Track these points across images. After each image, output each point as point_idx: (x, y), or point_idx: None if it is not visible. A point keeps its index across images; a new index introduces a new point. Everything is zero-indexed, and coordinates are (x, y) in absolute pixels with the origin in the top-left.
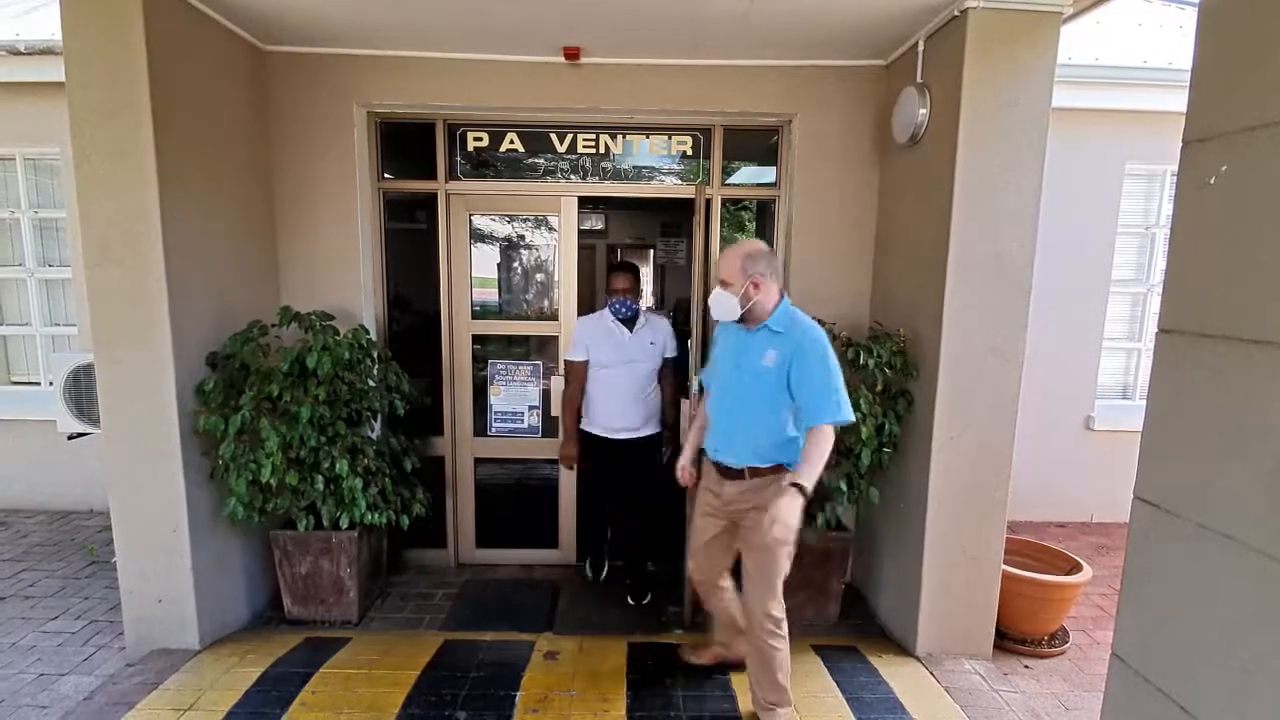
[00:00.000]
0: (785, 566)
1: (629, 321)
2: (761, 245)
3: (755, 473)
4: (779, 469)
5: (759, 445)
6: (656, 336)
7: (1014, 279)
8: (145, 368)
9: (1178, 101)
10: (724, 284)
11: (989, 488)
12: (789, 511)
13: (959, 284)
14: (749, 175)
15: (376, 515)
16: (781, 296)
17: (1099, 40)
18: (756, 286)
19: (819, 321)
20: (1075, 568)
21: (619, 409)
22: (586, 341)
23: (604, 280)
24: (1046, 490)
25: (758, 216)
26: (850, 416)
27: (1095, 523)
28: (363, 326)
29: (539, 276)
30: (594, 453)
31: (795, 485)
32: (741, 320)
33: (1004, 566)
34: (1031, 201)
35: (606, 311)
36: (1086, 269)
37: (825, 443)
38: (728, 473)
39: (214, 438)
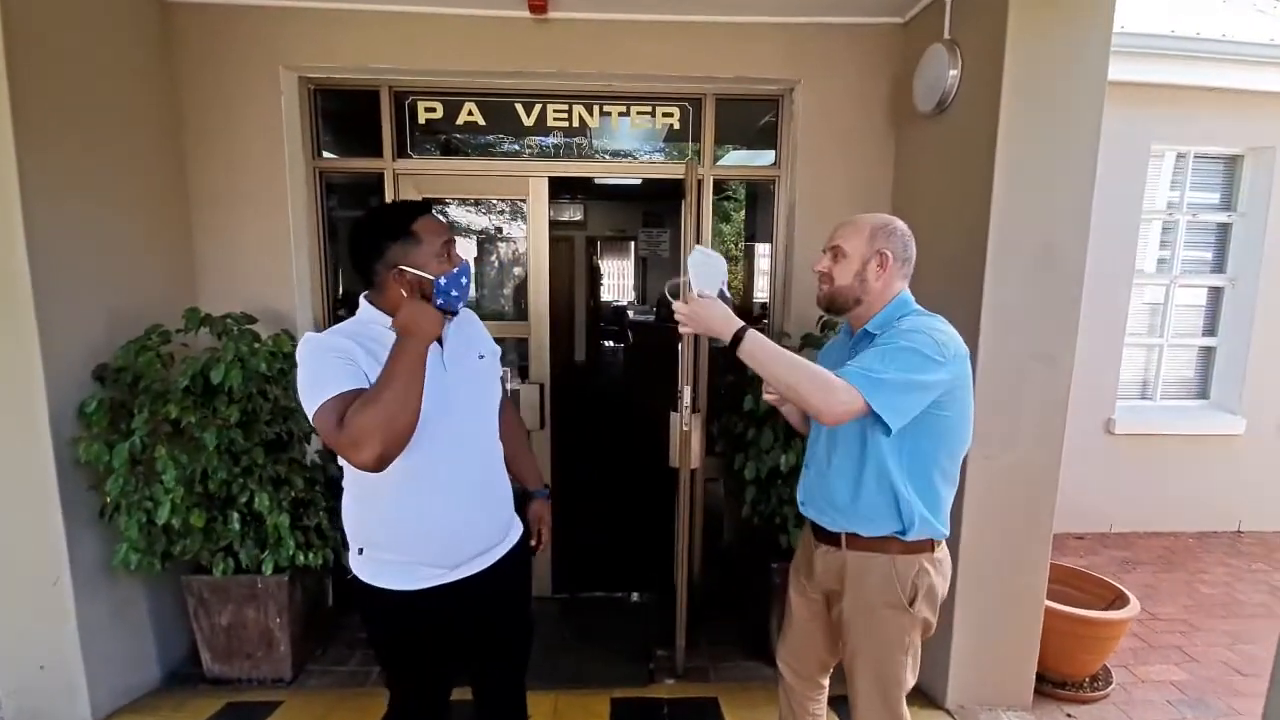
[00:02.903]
0: (909, 678)
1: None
2: (906, 228)
3: (855, 542)
4: (890, 541)
5: (857, 500)
6: (479, 340)
7: (1065, 273)
8: (6, 384)
9: (1208, 74)
10: (835, 252)
11: (1032, 516)
12: (706, 311)
13: (1000, 279)
14: (745, 156)
15: (310, 555)
16: (901, 294)
17: (1122, 6)
18: (882, 265)
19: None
20: (1119, 599)
21: (463, 512)
22: (348, 371)
23: (583, 276)
24: (1063, 498)
25: (749, 203)
26: (887, 418)
27: (1115, 533)
28: (286, 332)
29: (506, 271)
30: (403, 628)
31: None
32: (840, 313)
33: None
34: (1087, 182)
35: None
36: (1107, 259)
37: (820, 374)
38: (822, 536)
39: (101, 470)
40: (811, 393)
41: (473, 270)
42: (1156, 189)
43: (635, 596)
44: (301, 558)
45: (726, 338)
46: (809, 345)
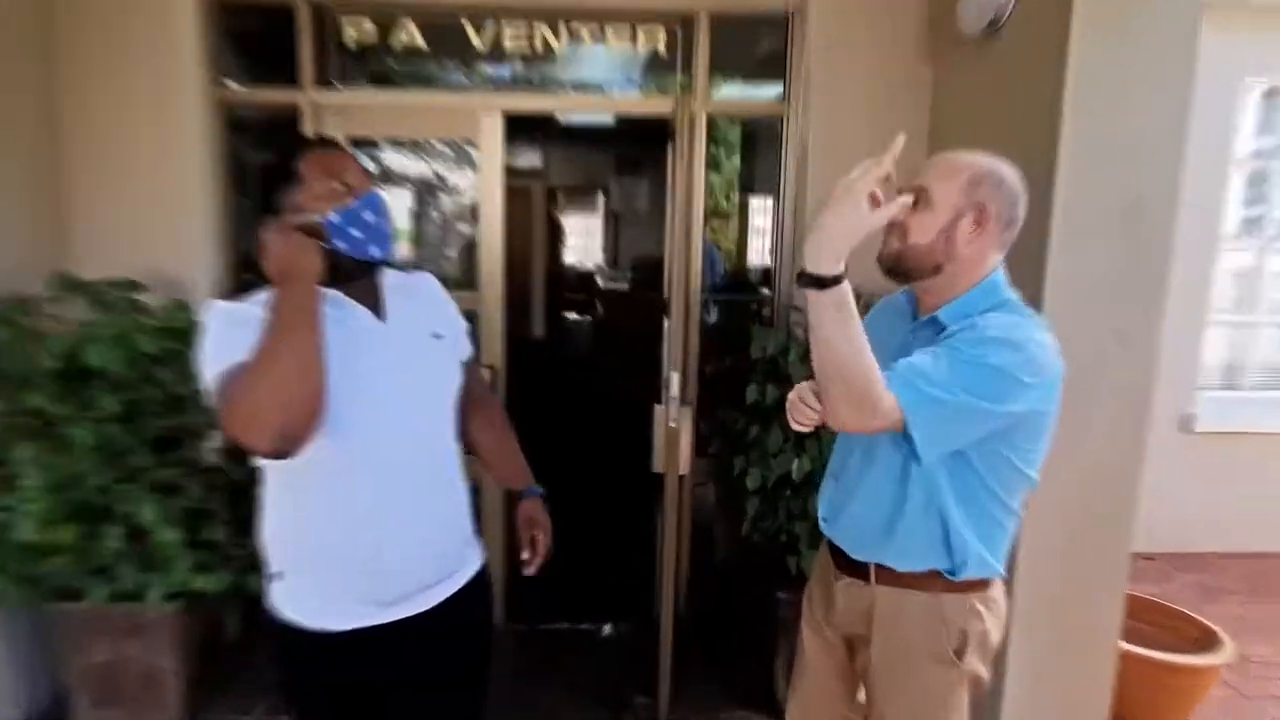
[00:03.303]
0: None
1: (368, 292)
2: (1021, 185)
3: (887, 576)
4: (934, 577)
5: (894, 528)
6: (436, 314)
7: (1151, 235)
8: None
9: None
10: (919, 195)
11: (1107, 532)
12: (845, 215)
13: (1069, 241)
14: (742, 91)
15: (208, 579)
16: (995, 272)
17: None
18: (979, 223)
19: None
20: (1209, 638)
21: (401, 533)
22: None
23: (543, 235)
24: None
25: (744, 148)
26: (922, 447)
27: (1193, 553)
28: (181, 303)
29: (449, 228)
30: (322, 677)
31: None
32: (906, 280)
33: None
34: (1178, 124)
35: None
36: (1185, 218)
37: (875, 377)
38: (845, 564)
39: None
40: (852, 395)
41: (387, 205)
42: (1244, 132)
43: (607, 629)
44: (197, 582)
45: (831, 265)
46: None
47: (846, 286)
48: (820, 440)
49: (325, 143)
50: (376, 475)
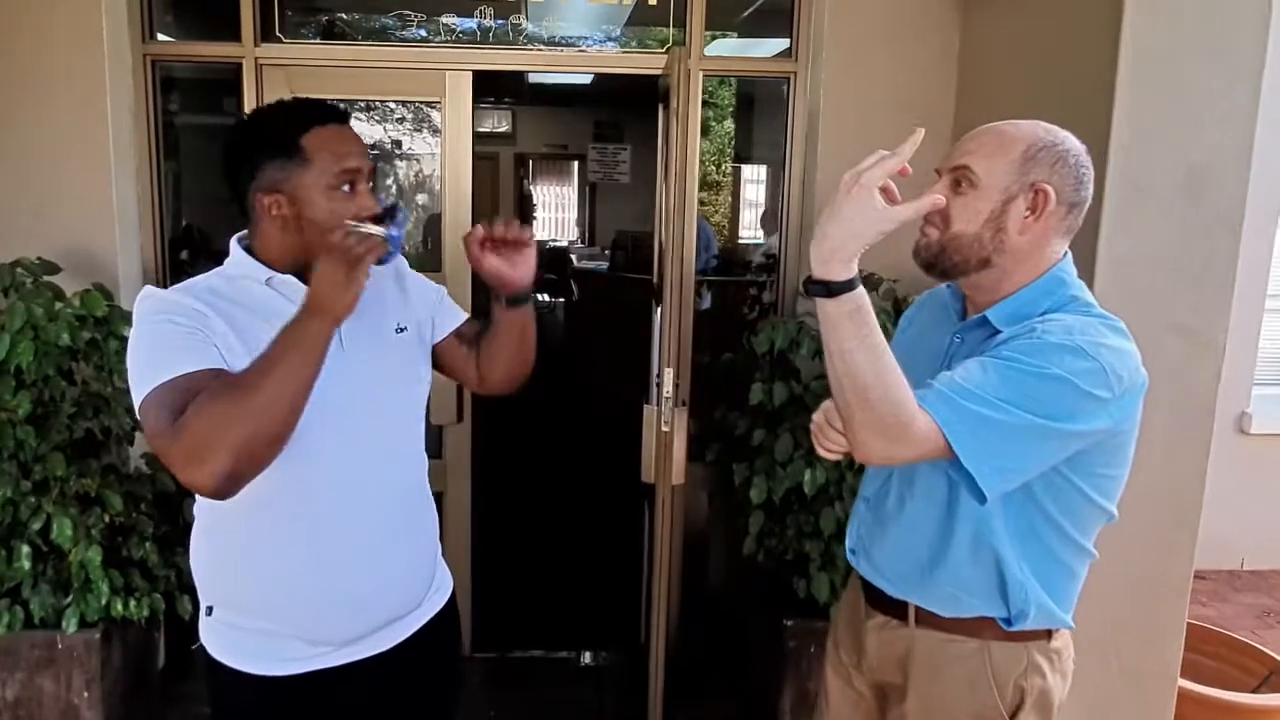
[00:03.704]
0: None
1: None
2: (1086, 155)
3: (928, 619)
4: (984, 624)
5: (937, 569)
6: (397, 301)
7: (1218, 211)
8: None
9: None
10: (960, 176)
11: (1166, 556)
12: (857, 206)
13: (1124, 216)
14: (737, 46)
15: (133, 604)
16: (1058, 264)
17: None
18: (1035, 207)
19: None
20: (1277, 675)
21: (362, 562)
22: (197, 345)
23: (511, 207)
24: None
25: (739, 112)
26: (985, 480)
27: (1248, 571)
28: (100, 287)
29: (408, 200)
30: None
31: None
32: (949, 277)
33: None
34: (1250, 82)
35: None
36: (1209, 197)
37: (904, 395)
38: (879, 601)
39: None
40: (876, 420)
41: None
42: None
43: (587, 657)
44: (119, 607)
45: (841, 269)
46: None
47: (862, 292)
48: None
49: (328, 113)
50: (337, 497)
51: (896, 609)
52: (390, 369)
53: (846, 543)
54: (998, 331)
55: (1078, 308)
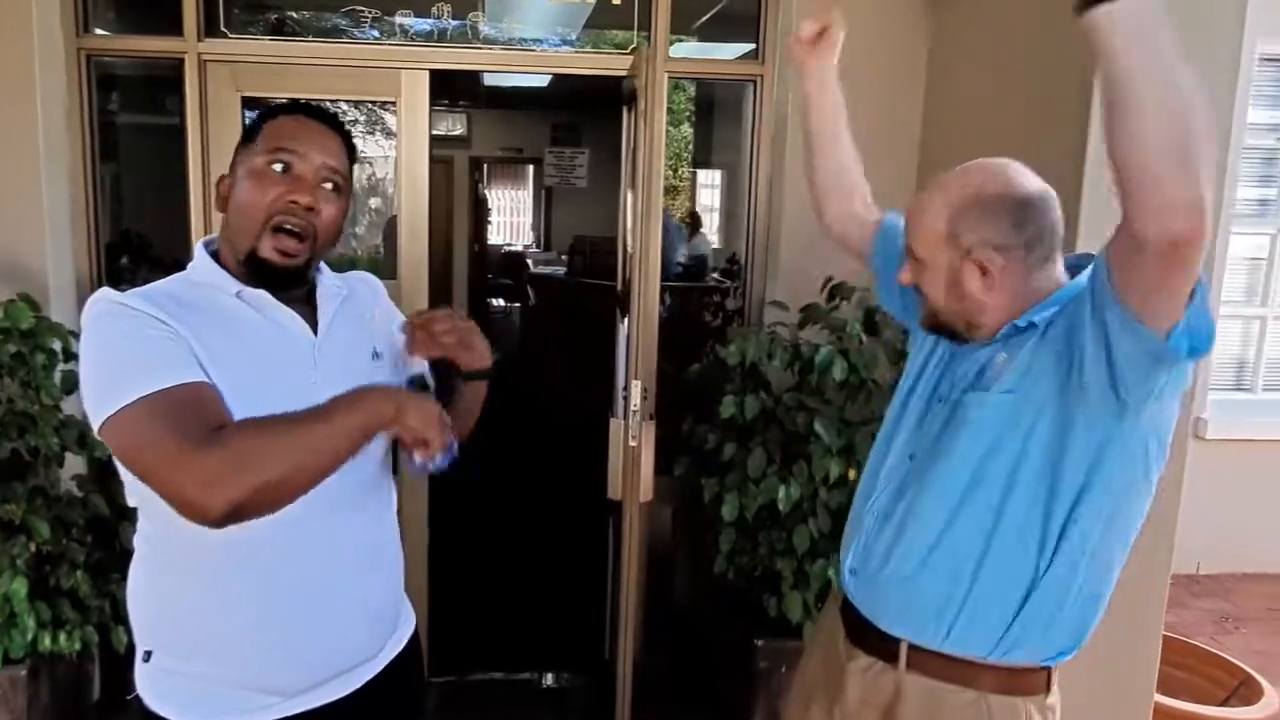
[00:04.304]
0: None
1: (293, 287)
2: (1016, 179)
3: (921, 662)
4: (982, 671)
5: (965, 595)
6: (376, 326)
7: None
8: None
9: None
10: (910, 255)
11: (1141, 566)
12: None
13: (1100, 222)
14: (698, 49)
15: (63, 638)
16: (1060, 290)
17: None
18: (985, 273)
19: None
20: (1247, 686)
21: (320, 607)
22: (182, 354)
23: (466, 211)
24: None
25: (699, 116)
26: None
27: (1205, 575)
28: (26, 298)
29: (361, 204)
30: None
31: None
32: (958, 340)
33: None
34: (1228, 87)
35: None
36: None
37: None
38: (864, 638)
39: None
40: (1178, 139)
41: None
42: (1261, 106)
43: (550, 679)
44: (47, 641)
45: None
46: (814, 320)
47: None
48: (810, 463)
49: (304, 107)
50: (298, 533)
51: (885, 648)
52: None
53: (845, 561)
54: (1025, 327)
55: None
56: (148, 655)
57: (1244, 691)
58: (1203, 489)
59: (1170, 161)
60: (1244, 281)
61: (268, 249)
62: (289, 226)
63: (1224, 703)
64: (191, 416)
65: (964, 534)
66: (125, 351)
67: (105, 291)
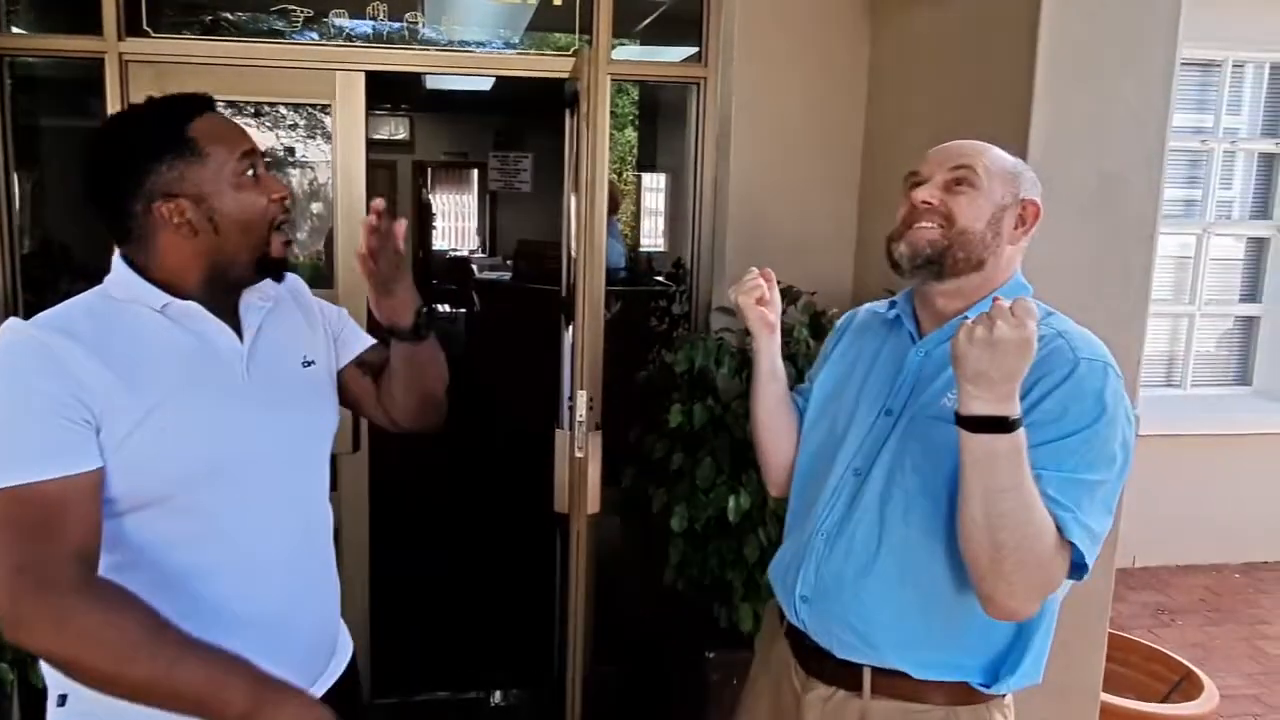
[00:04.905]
0: None
1: (228, 308)
2: None
3: (887, 686)
4: (955, 688)
5: (916, 614)
6: (305, 330)
7: (1131, 219)
8: None
9: None
10: (961, 177)
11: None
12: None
13: (1042, 224)
14: (640, 53)
15: None
16: (1017, 275)
17: None
18: (1023, 222)
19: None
20: (1188, 680)
21: (254, 636)
22: (56, 428)
23: (409, 216)
24: None
25: (642, 119)
26: (1087, 557)
27: (1140, 568)
28: None
29: (299, 211)
30: None
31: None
32: (934, 276)
33: None
34: (1161, 89)
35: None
36: (1122, 204)
37: (1049, 531)
38: (821, 667)
39: None
40: (1029, 563)
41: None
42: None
43: (498, 697)
44: None
45: (1011, 407)
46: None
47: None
48: (760, 472)
49: (202, 101)
50: (226, 560)
51: (845, 675)
52: (296, 409)
53: (797, 589)
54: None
55: (1057, 319)
56: (62, 699)
57: (1185, 687)
58: (1137, 484)
59: (984, 561)
60: (1172, 279)
61: (278, 247)
62: (284, 221)
63: (1165, 698)
64: (44, 533)
65: (905, 546)
66: (3, 421)
67: (11, 323)
